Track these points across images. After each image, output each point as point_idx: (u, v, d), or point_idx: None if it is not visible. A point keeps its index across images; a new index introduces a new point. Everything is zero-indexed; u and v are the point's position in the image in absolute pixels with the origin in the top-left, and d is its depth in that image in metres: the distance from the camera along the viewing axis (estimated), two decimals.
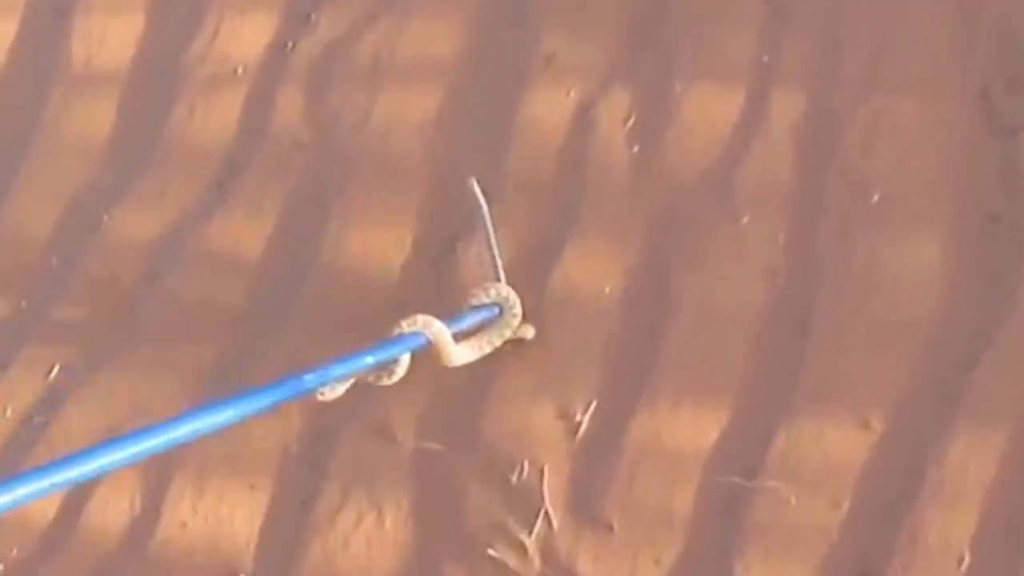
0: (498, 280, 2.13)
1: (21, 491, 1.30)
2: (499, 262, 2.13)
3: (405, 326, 1.97)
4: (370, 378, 1.99)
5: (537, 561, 2.01)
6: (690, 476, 2.02)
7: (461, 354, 2.06)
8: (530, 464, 2.07)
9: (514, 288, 2.11)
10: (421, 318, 1.98)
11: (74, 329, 2.36)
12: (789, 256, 2.13)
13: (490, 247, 2.14)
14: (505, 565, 2.01)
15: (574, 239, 2.21)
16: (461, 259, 2.26)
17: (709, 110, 2.23)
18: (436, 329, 1.99)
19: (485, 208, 2.14)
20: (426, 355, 2.00)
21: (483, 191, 2.14)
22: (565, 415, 2.10)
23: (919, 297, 2.03)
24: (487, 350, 2.09)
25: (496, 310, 2.11)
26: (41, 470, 1.34)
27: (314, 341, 2.25)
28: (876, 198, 2.11)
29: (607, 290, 2.17)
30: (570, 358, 2.14)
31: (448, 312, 2.06)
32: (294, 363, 2.16)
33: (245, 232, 2.36)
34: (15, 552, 2.17)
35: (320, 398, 1.95)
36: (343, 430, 2.18)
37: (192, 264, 2.36)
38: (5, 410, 2.31)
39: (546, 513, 2.03)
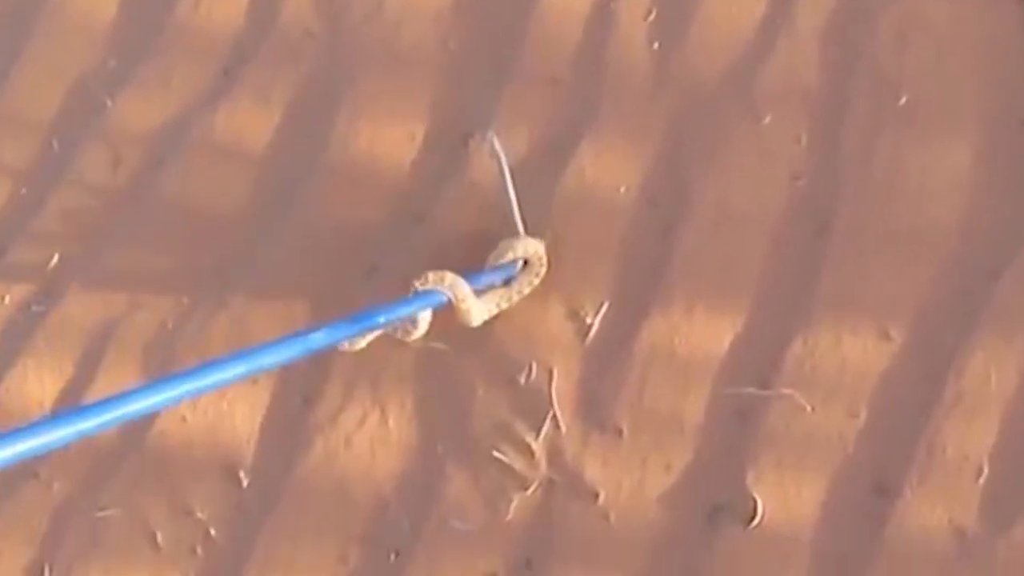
0: (518, 234, 2.04)
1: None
2: (519, 216, 2.04)
3: (419, 285, 1.90)
4: (389, 331, 1.93)
5: (544, 464, 1.97)
6: (703, 382, 1.97)
7: (482, 311, 1.98)
8: (538, 366, 2.02)
9: (527, 194, 2.05)
10: (433, 275, 1.90)
11: (75, 217, 2.30)
12: (812, 158, 2.06)
13: (510, 201, 2.04)
14: (510, 468, 1.97)
15: (590, 135, 2.14)
16: (473, 156, 2.18)
17: (732, 5, 2.15)
18: (451, 284, 1.90)
19: (504, 161, 2.04)
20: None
21: (497, 134, 2.06)
22: (575, 317, 2.05)
23: (945, 204, 1.97)
24: (504, 306, 2.02)
25: (519, 264, 2.03)
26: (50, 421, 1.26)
27: (320, 236, 2.19)
28: (904, 100, 2.03)
29: (623, 189, 2.11)
30: (582, 258, 2.08)
31: (462, 221, 2.02)
32: (297, 261, 2.14)
33: (252, 122, 2.29)
34: None
35: (342, 347, 1.89)
36: None
37: (197, 153, 2.30)
38: (3, 298, 2.26)
39: (554, 416, 1.99)
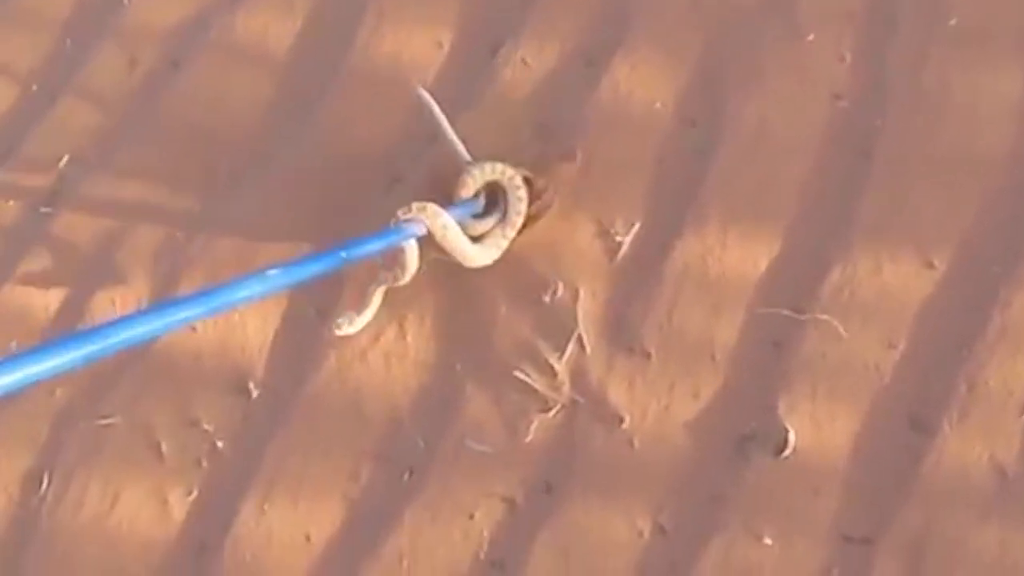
0: (472, 162, 1.95)
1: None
2: (462, 148, 1.96)
3: (401, 214, 1.82)
4: (387, 282, 1.87)
5: (567, 386, 1.89)
6: (735, 306, 1.89)
7: (481, 255, 1.91)
8: (564, 285, 1.94)
9: (558, 108, 1.96)
10: (417, 205, 1.83)
11: (86, 118, 2.22)
12: (855, 78, 1.97)
13: (450, 139, 1.97)
14: (532, 388, 1.89)
15: (625, 48, 2.05)
16: (502, 67, 2.10)
17: None
18: (433, 214, 1.82)
19: (436, 109, 1.96)
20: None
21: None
22: (605, 235, 1.96)
23: (993, 131, 1.88)
24: (504, 244, 1.94)
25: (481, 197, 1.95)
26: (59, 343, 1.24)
27: (340, 145, 2.11)
28: (954, 21, 1.95)
29: (658, 105, 2.02)
30: (613, 175, 1.99)
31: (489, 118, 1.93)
32: (315, 170, 2.05)
33: (273, 24, 2.20)
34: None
35: (336, 332, 1.84)
36: None
37: (216, 54, 2.21)
38: (8, 200, 2.18)
39: (579, 337, 1.91)
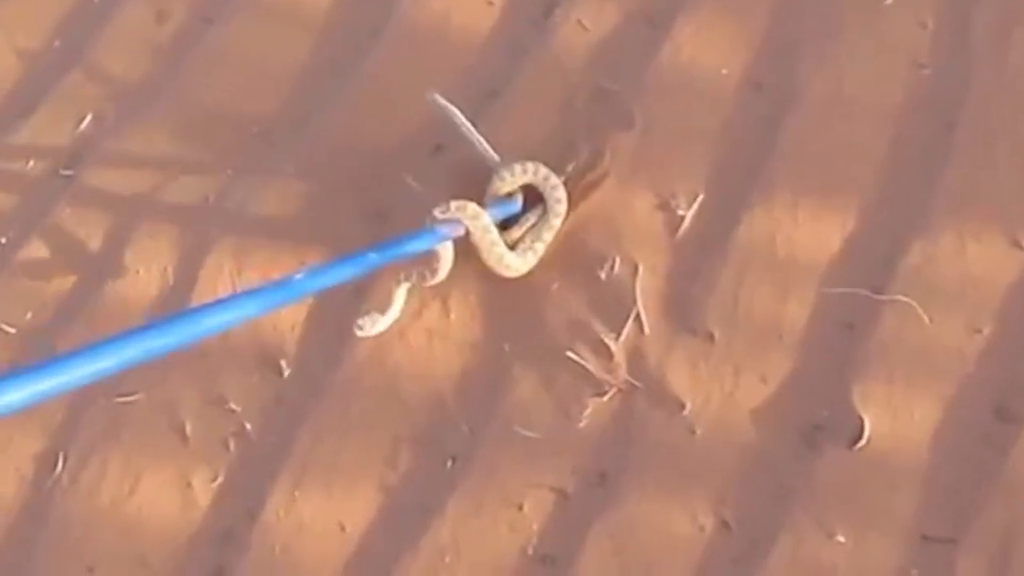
0: (505, 164, 1.82)
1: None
2: (490, 149, 1.84)
3: (439, 214, 1.70)
4: (413, 281, 1.74)
5: (623, 369, 1.75)
6: (806, 286, 1.76)
7: (517, 262, 1.78)
8: (621, 260, 1.81)
9: (616, 73, 1.82)
10: (457, 203, 1.72)
11: (112, 74, 2.08)
12: (938, 46, 1.85)
13: (475, 140, 1.85)
14: (585, 370, 1.76)
15: (688, 10, 1.93)
16: (557, 28, 1.97)
17: None
18: (472, 214, 1.71)
19: (455, 112, 1.85)
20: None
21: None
22: (666, 208, 1.83)
23: None
24: (541, 250, 1.80)
25: (519, 198, 1.82)
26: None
27: (380, 108, 1.97)
28: None
29: (724, 71, 1.89)
30: (675, 145, 1.87)
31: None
32: (354, 133, 1.92)
33: None
34: (29, 316, 1.92)
35: (358, 333, 1.70)
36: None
37: (250, 11, 2.08)
38: (28, 160, 2.04)
39: (637, 316, 1.77)
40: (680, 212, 1.82)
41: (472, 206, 1.74)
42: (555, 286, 1.81)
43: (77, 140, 2.04)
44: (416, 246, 1.69)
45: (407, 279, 1.75)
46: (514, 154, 1.85)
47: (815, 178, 1.81)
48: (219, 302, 1.37)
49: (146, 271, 1.93)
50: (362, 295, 1.86)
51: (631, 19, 1.94)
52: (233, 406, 1.83)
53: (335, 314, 1.86)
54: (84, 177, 2.01)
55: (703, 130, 1.86)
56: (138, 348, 1.21)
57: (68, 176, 2.02)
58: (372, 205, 1.91)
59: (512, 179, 1.81)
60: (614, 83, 1.90)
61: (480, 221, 1.73)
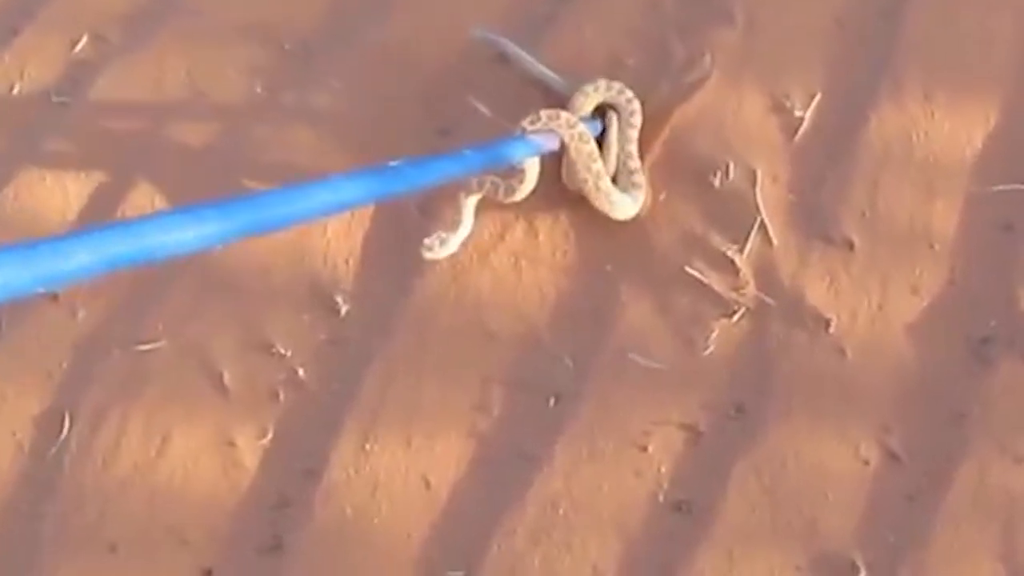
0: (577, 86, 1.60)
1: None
2: (553, 75, 1.63)
3: (528, 124, 1.48)
4: (486, 190, 1.51)
5: (752, 285, 1.49)
6: (952, 186, 1.53)
7: (624, 202, 1.52)
8: (735, 166, 1.56)
9: None
10: (548, 112, 1.49)
11: None
12: None
13: (539, 71, 1.64)
14: (708, 289, 1.49)
15: None
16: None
17: None
18: (566, 122, 1.48)
19: (508, 43, 1.65)
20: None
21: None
22: (780, 109, 1.59)
23: None
24: (642, 180, 1.54)
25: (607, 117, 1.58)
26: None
27: (430, 18, 1.71)
28: None
29: None
30: (783, 42, 1.64)
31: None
32: (401, 44, 1.65)
33: None
34: None
35: (427, 255, 1.46)
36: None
37: None
38: (12, 85, 1.71)
39: (762, 225, 1.52)
40: (797, 113, 1.59)
41: (566, 115, 1.49)
42: (662, 196, 1.55)
43: (72, 64, 1.73)
44: (512, 151, 1.44)
45: (478, 188, 1.48)
46: (596, 58, 1.60)
47: (947, 70, 1.59)
48: (268, 195, 1.05)
49: (161, 203, 1.61)
50: (427, 214, 1.58)
51: None
52: (280, 349, 1.52)
53: (397, 239, 1.57)
54: (81, 104, 1.69)
55: (812, 24, 1.64)
56: (216, 225, 0.93)
57: (62, 103, 1.70)
58: (432, 121, 1.63)
59: (585, 99, 1.57)
60: None
61: (577, 129, 1.48)
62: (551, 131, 1.48)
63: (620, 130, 1.56)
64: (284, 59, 1.70)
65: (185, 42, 1.71)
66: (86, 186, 1.63)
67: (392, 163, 1.23)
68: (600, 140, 1.55)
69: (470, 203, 1.51)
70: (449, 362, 1.50)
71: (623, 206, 1.51)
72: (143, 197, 1.61)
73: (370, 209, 1.59)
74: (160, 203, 1.61)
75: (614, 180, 1.53)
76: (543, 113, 1.49)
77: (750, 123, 1.59)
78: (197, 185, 1.61)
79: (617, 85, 1.58)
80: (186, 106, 1.67)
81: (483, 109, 1.61)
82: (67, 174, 1.64)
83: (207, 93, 1.68)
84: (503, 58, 1.66)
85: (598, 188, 1.49)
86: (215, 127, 1.65)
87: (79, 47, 1.74)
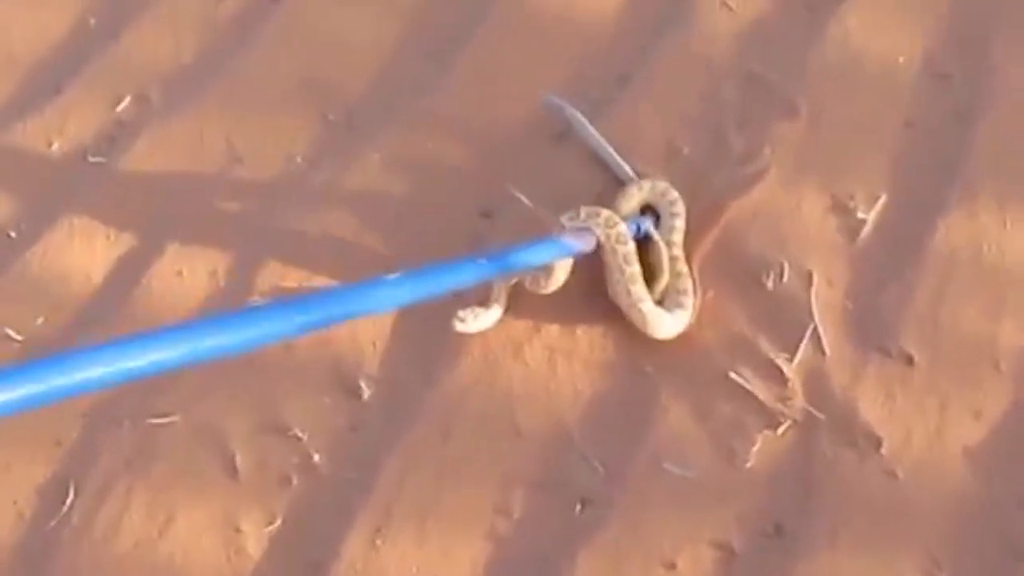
0: (631, 177, 1.54)
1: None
2: (623, 162, 1.56)
3: (567, 221, 1.44)
4: (521, 281, 1.47)
5: (800, 396, 1.40)
6: None
7: (660, 319, 1.43)
8: (791, 267, 1.47)
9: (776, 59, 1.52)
10: (588, 209, 1.44)
11: (158, 52, 1.74)
12: None
13: (607, 154, 1.57)
14: (752, 397, 1.40)
15: None
16: (697, 9, 1.68)
17: None
18: (606, 221, 1.43)
19: (579, 115, 1.58)
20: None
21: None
22: (842, 210, 1.51)
23: None
24: (690, 304, 1.44)
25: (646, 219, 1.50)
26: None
27: (482, 96, 1.65)
28: None
29: (900, 59, 1.60)
30: (849, 139, 1.56)
31: None
32: (449, 120, 1.59)
33: None
34: (40, 322, 1.52)
35: (459, 326, 1.41)
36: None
37: None
38: (51, 142, 1.67)
39: (815, 333, 1.43)
40: (860, 214, 1.50)
41: (607, 213, 1.43)
42: (710, 295, 1.46)
43: (112, 124, 1.68)
44: (536, 257, 1.39)
45: (513, 278, 1.42)
46: (651, 145, 1.53)
47: (1022, 178, 1.49)
48: (285, 305, 1.07)
49: (190, 273, 1.55)
50: (460, 297, 1.50)
51: (786, 1, 1.64)
52: (298, 432, 1.44)
53: (427, 325, 1.49)
54: (117, 165, 1.65)
55: (881, 122, 1.56)
56: (190, 346, 0.95)
57: (98, 163, 1.65)
58: (476, 201, 1.56)
59: (629, 198, 1.52)
60: (770, 70, 1.61)
61: (616, 230, 1.42)
62: (588, 228, 1.42)
63: (662, 235, 1.48)
64: (326, 129, 1.64)
65: (227, 106, 1.66)
66: (115, 249, 1.58)
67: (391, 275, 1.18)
68: (643, 243, 1.47)
69: (504, 288, 1.44)
70: (473, 458, 1.41)
71: (658, 322, 1.42)
72: (170, 264, 1.55)
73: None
74: (187, 272, 1.55)
75: (661, 295, 1.44)
76: (583, 210, 1.44)
77: (809, 223, 1.50)
78: (227, 255, 1.55)
79: (662, 185, 1.50)
80: (222, 173, 1.62)
81: (524, 200, 1.53)
82: (97, 236, 1.59)
83: (245, 161, 1.62)
84: (560, 138, 1.60)
85: (629, 293, 1.41)
86: (250, 197, 1.60)
87: (121, 107, 1.69)
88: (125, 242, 1.59)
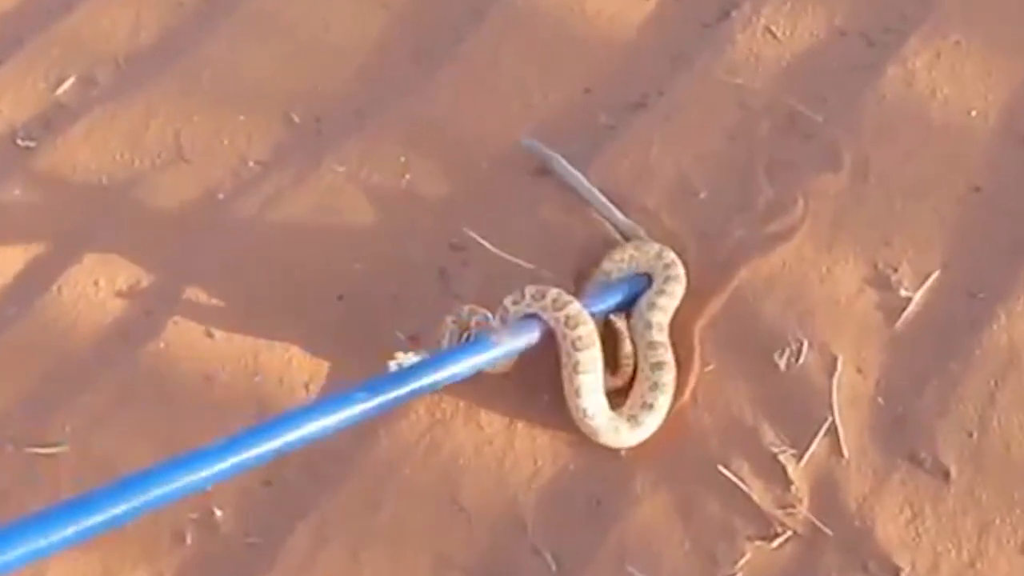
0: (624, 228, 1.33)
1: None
2: (620, 217, 1.33)
3: (510, 304, 1.22)
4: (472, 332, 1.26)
5: (805, 503, 1.15)
6: None
7: (622, 433, 1.20)
8: (812, 346, 1.23)
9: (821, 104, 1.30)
10: (534, 289, 1.21)
11: (113, 27, 1.54)
12: None
13: (603, 207, 1.34)
14: (744, 496, 1.16)
15: (927, 30, 1.41)
16: (734, 35, 1.44)
17: None
18: (551, 303, 1.20)
19: (561, 160, 1.37)
20: None
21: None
22: (884, 284, 1.28)
23: None
24: (663, 406, 1.20)
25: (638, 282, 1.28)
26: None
27: (472, 106, 1.42)
28: None
29: (973, 112, 1.35)
30: (900, 201, 1.34)
31: None
32: (432, 129, 1.37)
33: None
34: None
35: (392, 364, 1.17)
36: None
37: None
38: None
39: (833, 428, 1.18)
40: (904, 292, 1.26)
41: (555, 292, 1.21)
42: (709, 368, 1.21)
43: (50, 104, 1.47)
44: (466, 366, 1.18)
45: (463, 322, 1.23)
46: (660, 184, 1.29)
47: None
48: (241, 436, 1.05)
49: (106, 287, 1.33)
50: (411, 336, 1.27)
51: (842, 33, 1.41)
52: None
53: (368, 368, 1.24)
54: (47, 152, 1.44)
55: (941, 186, 1.33)
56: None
57: (26, 148, 1.44)
58: (444, 233, 1.33)
59: (619, 262, 1.29)
60: (814, 110, 1.36)
61: (565, 312, 1.19)
62: (534, 315, 1.21)
63: (642, 311, 1.24)
64: (289, 131, 1.45)
65: (181, 96, 1.46)
66: (28, 247, 1.36)
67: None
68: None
69: (453, 331, 1.23)
70: (402, 535, 1.18)
71: (611, 435, 1.19)
72: (87, 272, 1.34)
73: (344, 328, 1.28)
74: (104, 283, 1.33)
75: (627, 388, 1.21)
76: (527, 290, 1.21)
77: (840, 295, 1.28)
78: (152, 270, 1.33)
79: (656, 248, 1.27)
80: (163, 171, 1.41)
81: (487, 245, 1.30)
82: (11, 230, 1.37)
83: (191, 159, 1.42)
84: (544, 172, 1.36)
85: (577, 394, 1.18)
86: (190, 202, 1.38)
87: (64, 87, 1.49)
88: (41, 240, 1.38)
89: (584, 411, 1.18)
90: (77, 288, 1.33)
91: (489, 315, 1.21)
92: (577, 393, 1.18)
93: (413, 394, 1.13)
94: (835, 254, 1.29)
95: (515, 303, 1.22)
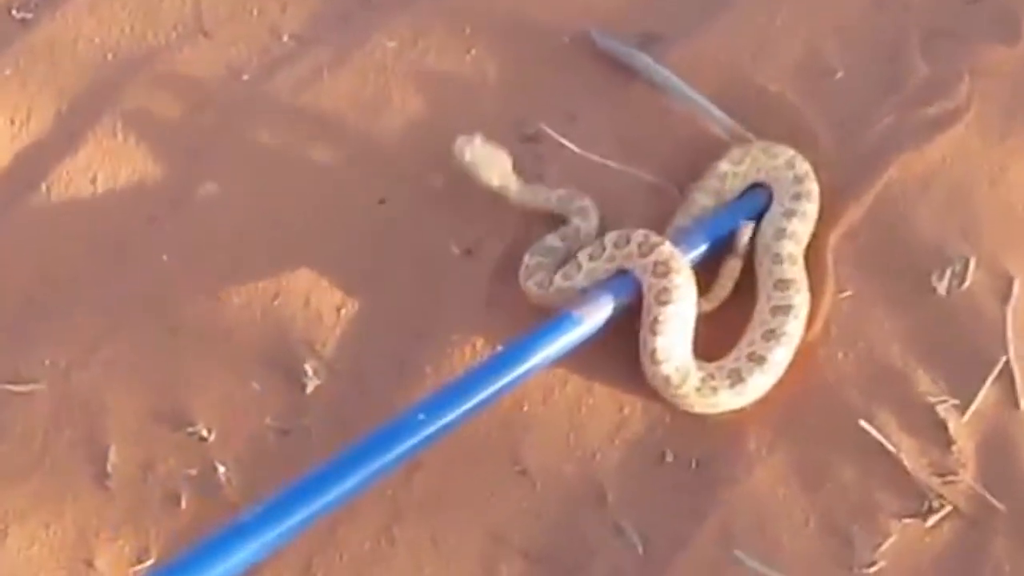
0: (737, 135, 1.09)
1: None
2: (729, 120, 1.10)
3: (586, 262, 1.02)
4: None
5: (970, 468, 0.93)
6: None
7: (722, 395, 0.96)
8: (980, 265, 1.11)
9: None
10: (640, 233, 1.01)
11: None
12: None
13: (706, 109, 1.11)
14: (891, 460, 0.93)
15: None
16: None
17: None
18: (640, 247, 1.00)
19: (643, 56, 1.13)
20: None
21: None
22: None
23: None
24: (782, 357, 0.97)
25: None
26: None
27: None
28: None
29: None
30: None
31: None
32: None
33: None
34: None
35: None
36: None
37: None
38: None
39: (1007, 369, 0.97)
40: None
41: (640, 235, 1.01)
42: (846, 295, 0.97)
43: None
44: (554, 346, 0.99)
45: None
46: (785, 60, 1.06)
47: None
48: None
49: (107, 179, 1.13)
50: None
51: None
52: (202, 430, 1.02)
53: (417, 298, 1.04)
54: (46, 25, 1.25)
55: None
56: None
57: (22, 20, 1.25)
58: (514, 121, 1.10)
59: (738, 163, 1.06)
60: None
61: (654, 257, 0.99)
62: (623, 268, 1.01)
63: (771, 240, 1.01)
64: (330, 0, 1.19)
65: None
66: (20, 134, 1.20)
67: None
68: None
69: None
70: (447, 501, 0.99)
71: (700, 400, 0.97)
72: (84, 165, 1.16)
73: (386, 238, 1.04)
74: (103, 178, 1.13)
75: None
76: (608, 239, 1.02)
77: (1016, 200, 1.07)
78: (163, 159, 1.12)
79: (787, 154, 1.05)
80: (180, 47, 1.25)
81: (565, 143, 1.06)
82: (2, 112, 1.19)
83: (213, 33, 1.26)
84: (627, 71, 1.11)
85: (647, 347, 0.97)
86: (212, 79, 1.21)
87: None
88: (35, 125, 1.20)
89: (662, 371, 0.93)
90: (70, 186, 1.12)
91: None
92: (652, 358, 0.94)
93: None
94: (1009, 146, 1.08)
95: (592, 259, 1.01)
